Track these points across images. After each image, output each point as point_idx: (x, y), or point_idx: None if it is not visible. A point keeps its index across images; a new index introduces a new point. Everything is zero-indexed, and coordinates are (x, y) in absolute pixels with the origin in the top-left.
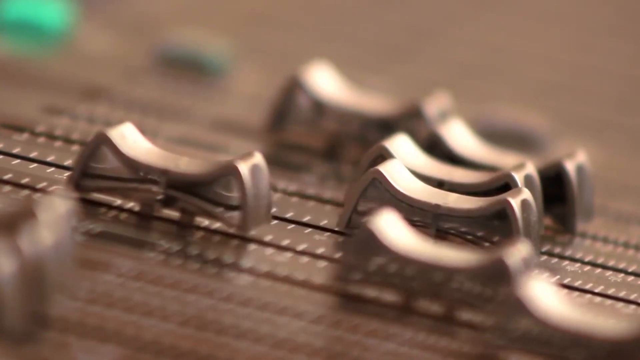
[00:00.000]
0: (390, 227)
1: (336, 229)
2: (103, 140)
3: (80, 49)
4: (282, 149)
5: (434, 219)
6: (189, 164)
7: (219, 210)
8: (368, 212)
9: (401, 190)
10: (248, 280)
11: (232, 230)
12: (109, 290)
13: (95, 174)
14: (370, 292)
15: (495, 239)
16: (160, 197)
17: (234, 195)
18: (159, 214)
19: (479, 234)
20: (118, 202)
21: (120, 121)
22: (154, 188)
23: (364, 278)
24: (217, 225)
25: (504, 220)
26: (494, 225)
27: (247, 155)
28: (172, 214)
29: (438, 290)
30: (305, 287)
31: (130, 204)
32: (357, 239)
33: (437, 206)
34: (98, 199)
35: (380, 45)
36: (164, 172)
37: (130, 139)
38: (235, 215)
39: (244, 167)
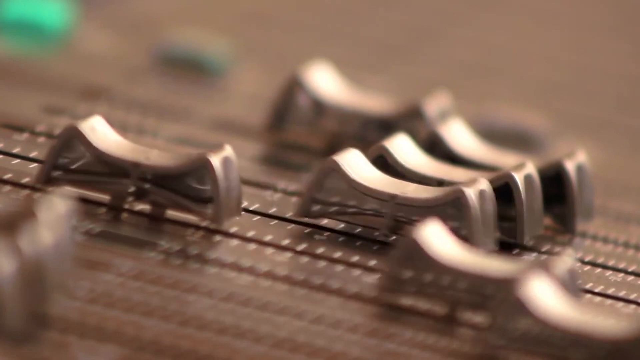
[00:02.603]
0: (435, 238)
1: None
2: (73, 134)
3: (80, 49)
4: (282, 149)
5: (391, 209)
6: (160, 156)
7: (191, 203)
8: (326, 202)
9: (358, 179)
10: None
11: (204, 223)
12: (109, 290)
13: (66, 167)
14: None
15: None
16: (131, 190)
17: (206, 188)
18: (130, 207)
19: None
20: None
21: (121, 121)
22: (125, 181)
23: (403, 288)
24: (188, 217)
25: (460, 210)
26: (451, 215)
27: (218, 147)
28: (144, 207)
29: (483, 302)
30: (304, 287)
31: (130, 205)
32: (402, 251)
33: (394, 196)
34: (96, 198)
35: (380, 45)
36: (135, 165)
37: (100, 132)
38: (207, 207)
39: (215, 160)
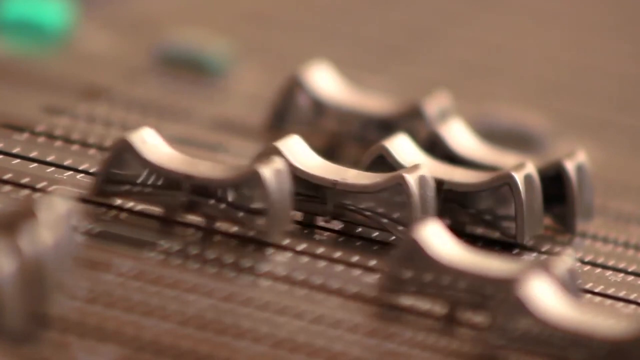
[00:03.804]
0: (435, 238)
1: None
2: (124, 146)
3: (80, 49)
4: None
5: (332, 196)
6: (211, 168)
7: (242, 215)
8: None
9: (299, 166)
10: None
11: (255, 235)
12: (109, 290)
13: (118, 180)
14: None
15: (395, 215)
16: (183, 202)
17: (257, 200)
18: (181, 219)
19: (379, 210)
20: (136, 205)
21: (121, 121)
22: (177, 193)
23: (403, 288)
24: (237, 229)
25: (401, 196)
26: (393, 202)
27: (268, 159)
28: (195, 219)
29: (483, 302)
30: (304, 287)
31: (130, 204)
32: (402, 251)
33: (335, 182)
34: (97, 198)
35: (380, 45)
36: (186, 177)
37: (151, 144)
38: (258, 220)
39: (266, 172)
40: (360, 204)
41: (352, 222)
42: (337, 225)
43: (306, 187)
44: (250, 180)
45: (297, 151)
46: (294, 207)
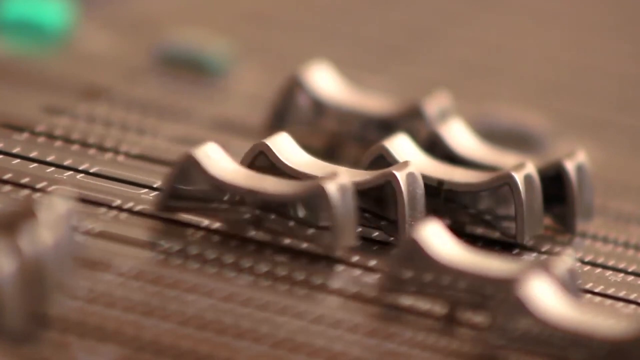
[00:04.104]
0: (435, 238)
1: None
2: (190, 162)
3: (80, 49)
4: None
5: None
6: (275, 183)
7: (307, 230)
8: None
9: (288, 163)
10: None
11: (320, 251)
12: (109, 290)
13: (182, 195)
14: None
15: (387, 212)
16: (248, 217)
17: (322, 216)
18: (246, 235)
19: (373, 209)
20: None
21: (121, 121)
22: (242, 209)
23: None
24: (304, 245)
25: (391, 193)
26: (382, 198)
27: (334, 174)
28: (261, 234)
29: (483, 302)
30: (304, 286)
31: (129, 205)
32: (402, 251)
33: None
34: (97, 198)
35: (380, 45)
36: (251, 193)
37: (215, 159)
38: (323, 235)
39: (331, 187)
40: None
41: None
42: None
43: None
44: (315, 196)
45: (286, 149)
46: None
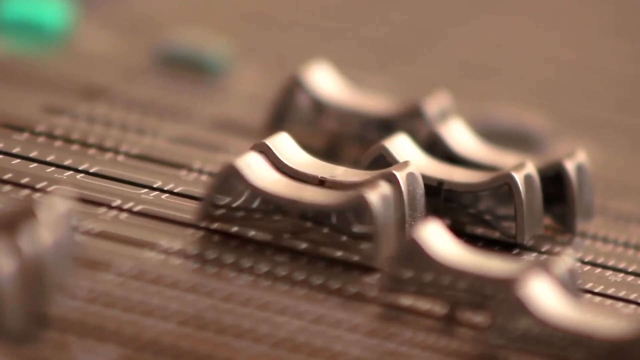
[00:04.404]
0: (435, 238)
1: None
2: (231, 172)
3: (80, 49)
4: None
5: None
6: (317, 194)
7: (348, 240)
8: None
9: (287, 163)
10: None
11: (361, 261)
12: (109, 290)
13: (223, 205)
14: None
15: None
16: (288, 227)
17: (363, 225)
18: (287, 244)
19: None
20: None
21: (121, 121)
22: (284, 219)
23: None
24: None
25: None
26: None
27: (374, 184)
28: (301, 244)
29: (483, 302)
30: (304, 286)
31: (129, 205)
32: (402, 251)
33: (324, 179)
34: (97, 198)
35: (380, 44)
36: (293, 203)
37: (257, 169)
38: (363, 245)
39: (373, 197)
40: None
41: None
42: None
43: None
44: (357, 206)
45: (285, 148)
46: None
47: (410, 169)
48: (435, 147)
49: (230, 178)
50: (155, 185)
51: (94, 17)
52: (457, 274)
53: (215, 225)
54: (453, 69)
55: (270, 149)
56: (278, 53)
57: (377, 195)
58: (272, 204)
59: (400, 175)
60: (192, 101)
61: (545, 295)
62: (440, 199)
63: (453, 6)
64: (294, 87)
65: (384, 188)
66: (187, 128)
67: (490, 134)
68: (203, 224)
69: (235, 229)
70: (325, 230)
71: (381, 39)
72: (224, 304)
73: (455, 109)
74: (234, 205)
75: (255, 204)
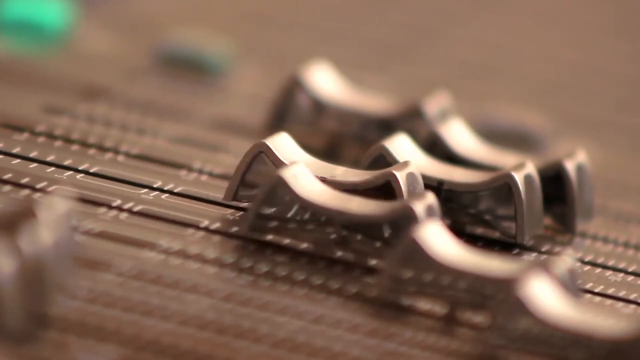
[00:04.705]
0: (435, 238)
1: (225, 202)
2: (278, 182)
3: (80, 49)
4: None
5: None
6: (361, 205)
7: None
8: (255, 185)
9: (287, 163)
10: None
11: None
12: (109, 289)
13: (269, 215)
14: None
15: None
16: (334, 238)
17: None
18: (331, 255)
19: None
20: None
21: (121, 121)
22: (329, 229)
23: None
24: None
25: (391, 193)
26: (383, 199)
27: (421, 196)
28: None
29: (483, 302)
30: (304, 286)
31: (129, 205)
32: (402, 251)
33: (323, 179)
34: (97, 198)
35: (380, 44)
36: (339, 213)
37: (303, 179)
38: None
39: (418, 208)
40: None
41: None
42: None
43: None
44: (404, 217)
45: (286, 148)
46: None
47: (410, 168)
48: (435, 147)
49: (277, 189)
50: (155, 185)
51: (94, 17)
52: (457, 274)
53: (216, 226)
54: (453, 69)
55: (270, 149)
56: (278, 53)
57: (422, 206)
58: (318, 215)
59: (400, 175)
60: (192, 101)
61: (545, 295)
62: (440, 199)
63: (453, 6)
64: (294, 87)
65: (430, 199)
66: (187, 128)
67: (490, 134)
68: (250, 236)
69: (235, 229)
70: (371, 241)
71: (381, 39)
72: (224, 304)
73: (455, 109)
74: (280, 215)
75: (300, 215)
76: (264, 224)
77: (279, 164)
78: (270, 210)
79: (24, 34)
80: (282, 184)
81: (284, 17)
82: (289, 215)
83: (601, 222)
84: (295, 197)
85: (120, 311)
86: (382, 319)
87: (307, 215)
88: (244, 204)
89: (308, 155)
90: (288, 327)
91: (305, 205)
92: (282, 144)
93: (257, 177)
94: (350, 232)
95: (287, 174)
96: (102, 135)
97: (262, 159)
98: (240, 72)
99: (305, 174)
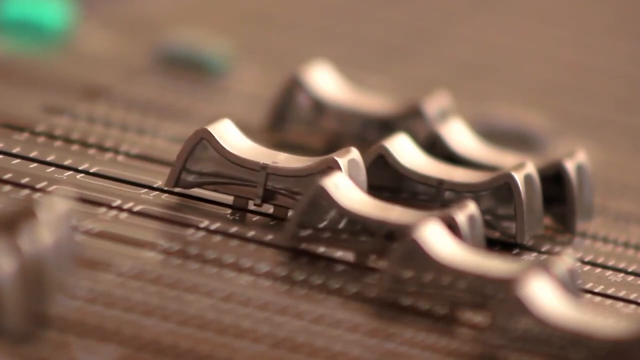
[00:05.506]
0: (435, 238)
1: (166, 188)
2: (319, 193)
3: (80, 49)
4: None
5: (263, 179)
6: (403, 214)
7: None
8: (197, 172)
9: (229, 149)
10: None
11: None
12: (109, 289)
13: (310, 225)
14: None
15: None
16: (375, 247)
17: None
18: (373, 265)
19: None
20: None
21: (121, 121)
22: (369, 239)
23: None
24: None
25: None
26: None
27: (463, 206)
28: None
29: (483, 302)
30: (304, 286)
31: (129, 205)
32: (402, 251)
33: (265, 165)
34: (97, 198)
35: (380, 44)
36: (381, 224)
37: (344, 189)
38: None
39: (461, 218)
40: (293, 187)
41: (284, 207)
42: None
43: (234, 171)
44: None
45: (228, 134)
46: (224, 190)
47: (351, 155)
48: (435, 147)
49: (318, 199)
50: (155, 185)
51: (94, 17)
52: (457, 274)
53: (216, 226)
54: (453, 69)
55: (212, 135)
56: (278, 53)
57: (464, 215)
58: (359, 225)
59: (342, 162)
60: (192, 101)
61: (545, 295)
62: (440, 199)
63: (452, 6)
64: (294, 87)
65: (472, 208)
66: (187, 128)
67: (490, 134)
68: (291, 246)
69: (235, 229)
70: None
71: (381, 39)
72: (224, 304)
73: (455, 109)
74: (321, 225)
75: (341, 225)
76: (304, 234)
77: (220, 150)
78: (311, 220)
79: (24, 34)
80: (324, 194)
81: (284, 17)
82: (330, 224)
83: (601, 222)
84: (336, 207)
85: (120, 311)
86: (382, 319)
87: (347, 225)
88: (255, 209)
89: (249, 141)
90: (288, 327)
91: (346, 214)
92: (225, 130)
93: (199, 164)
94: (390, 241)
95: (329, 184)
96: (102, 135)
97: (204, 145)
98: (240, 72)
99: (346, 183)
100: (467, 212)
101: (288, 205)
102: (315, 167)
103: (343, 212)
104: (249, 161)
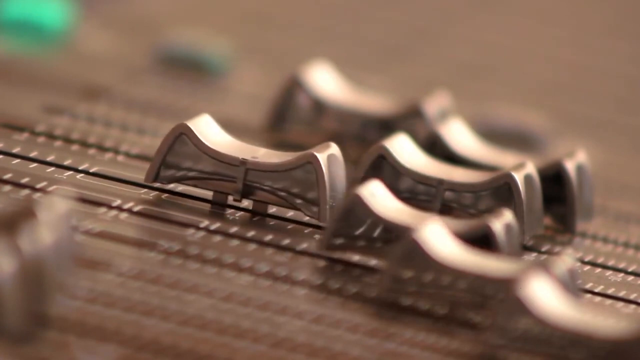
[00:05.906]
0: (435, 238)
1: (146, 183)
2: (355, 201)
3: (80, 49)
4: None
5: (242, 174)
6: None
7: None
8: (176, 166)
9: (208, 144)
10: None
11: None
12: (109, 289)
13: (345, 234)
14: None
15: (307, 194)
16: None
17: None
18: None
19: (294, 190)
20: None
21: (121, 121)
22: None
23: (400, 287)
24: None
25: (313, 175)
26: (302, 181)
27: (500, 213)
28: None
29: (483, 302)
30: (304, 286)
31: (129, 205)
32: (402, 251)
33: (245, 160)
34: (97, 198)
35: (380, 44)
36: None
37: (380, 197)
38: None
39: (497, 226)
40: (274, 183)
41: (264, 202)
42: (249, 204)
43: (213, 167)
44: (482, 235)
45: (207, 130)
46: (203, 185)
47: (331, 150)
48: (435, 147)
49: (354, 207)
50: (155, 185)
51: (94, 17)
52: (457, 274)
53: (216, 226)
54: (453, 69)
55: (191, 130)
56: (278, 53)
57: (501, 224)
58: (394, 233)
59: (321, 157)
60: (192, 101)
61: (545, 295)
62: (440, 199)
63: (452, 6)
64: (294, 87)
65: (508, 217)
66: None
67: (490, 134)
68: (325, 254)
69: (235, 229)
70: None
71: (381, 39)
72: (224, 304)
73: (455, 109)
74: (357, 234)
75: (377, 233)
76: (339, 242)
77: (199, 145)
78: (347, 229)
79: (24, 34)
80: (360, 203)
81: (284, 17)
82: (365, 233)
83: (601, 222)
84: (372, 215)
85: (120, 311)
86: (382, 319)
87: (383, 233)
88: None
89: (229, 136)
90: (288, 327)
91: (382, 223)
92: (204, 126)
93: (179, 159)
94: None
95: (366, 193)
96: (102, 135)
97: (183, 140)
98: (240, 72)
99: (382, 191)
100: (503, 220)
101: (267, 201)
102: (294, 162)
103: (378, 220)
104: (228, 156)
